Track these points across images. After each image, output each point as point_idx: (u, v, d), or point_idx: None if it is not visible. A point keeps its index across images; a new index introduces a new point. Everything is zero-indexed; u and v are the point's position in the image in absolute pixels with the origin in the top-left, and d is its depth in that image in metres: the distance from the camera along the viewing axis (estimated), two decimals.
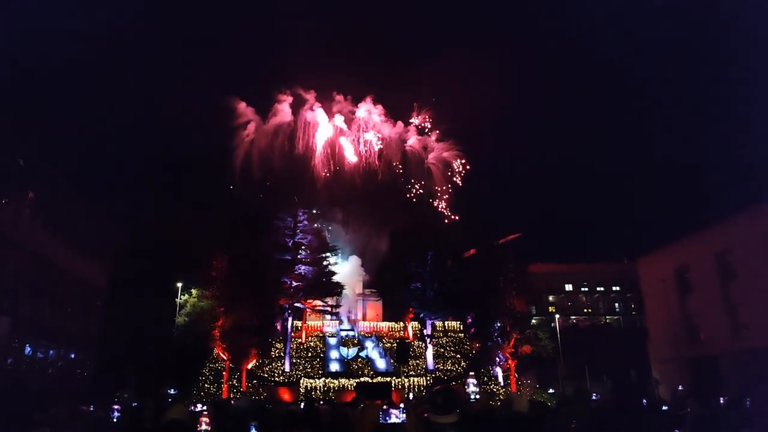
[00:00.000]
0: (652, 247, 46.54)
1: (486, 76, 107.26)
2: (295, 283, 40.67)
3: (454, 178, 70.34)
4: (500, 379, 39.85)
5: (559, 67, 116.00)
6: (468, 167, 70.72)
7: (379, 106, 72.16)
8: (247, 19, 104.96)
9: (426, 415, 4.20)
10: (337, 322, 47.47)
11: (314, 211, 44.69)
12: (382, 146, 70.79)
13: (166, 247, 51.29)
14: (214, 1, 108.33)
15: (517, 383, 39.32)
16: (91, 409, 20.56)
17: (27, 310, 29.95)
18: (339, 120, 71.06)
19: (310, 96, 70.83)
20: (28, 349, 31.10)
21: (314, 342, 44.59)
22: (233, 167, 66.76)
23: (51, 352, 34.12)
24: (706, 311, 38.89)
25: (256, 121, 69.73)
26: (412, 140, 72.18)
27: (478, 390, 8.23)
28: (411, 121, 72.91)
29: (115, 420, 11.47)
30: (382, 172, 69.44)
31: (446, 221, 66.37)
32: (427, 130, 72.69)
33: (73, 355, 37.03)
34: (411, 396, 34.95)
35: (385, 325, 48.97)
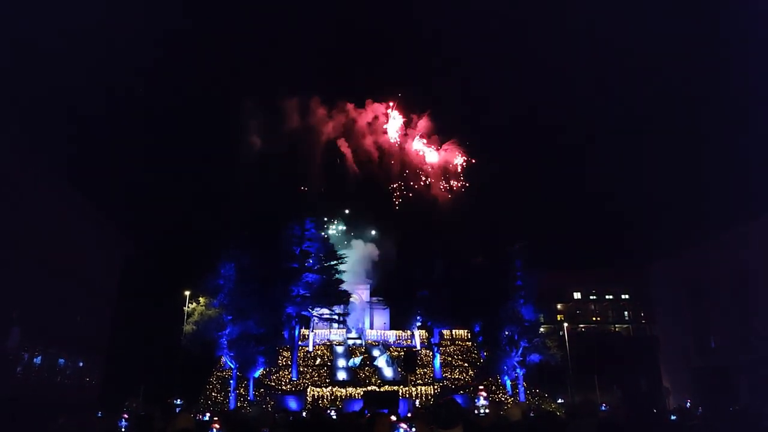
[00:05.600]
0: (663, 254, 46.13)
1: (494, 79, 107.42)
2: (302, 292, 40.70)
3: (460, 184, 70.54)
4: (508, 388, 39.56)
5: (565, 70, 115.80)
6: (475, 173, 71.00)
7: (382, 111, 72.68)
8: (255, 20, 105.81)
9: (431, 427, 4.20)
10: (345, 330, 47.44)
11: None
12: (384, 152, 71.27)
13: (174, 255, 51.62)
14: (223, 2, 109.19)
15: (526, 392, 39.01)
16: (99, 415, 20.67)
17: (37, 319, 30.17)
18: (343, 125, 71.64)
19: (315, 100, 71.44)
20: (37, 358, 31.30)
21: (321, 350, 44.55)
22: (241, 173, 67.33)
23: (60, 360, 34.30)
24: (717, 320, 38.45)
25: (265, 123, 70.36)
26: (418, 145, 72.50)
27: (487, 404, 8.16)
28: (415, 127, 73.32)
29: (123, 429, 11.51)
30: (386, 179, 69.78)
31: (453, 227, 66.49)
32: (432, 135, 73.02)
33: (81, 364, 37.20)
34: (417, 403, 34.81)
35: (392, 334, 48.85)
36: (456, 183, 70.24)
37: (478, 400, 8.19)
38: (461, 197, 70.19)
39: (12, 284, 27.53)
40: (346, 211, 62.79)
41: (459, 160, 70.78)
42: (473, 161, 70.70)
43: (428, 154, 72.14)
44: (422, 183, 70.92)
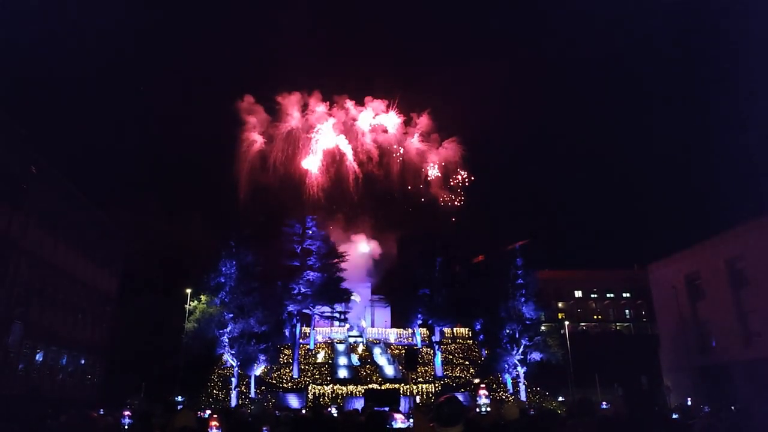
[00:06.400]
0: (663, 253, 46.10)
1: (493, 80, 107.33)
2: (303, 290, 40.75)
3: (461, 184, 70.61)
4: (509, 386, 39.58)
5: (565, 72, 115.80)
6: (474, 173, 71.01)
7: (382, 109, 72.58)
8: (250, 18, 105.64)
9: (432, 424, 4.20)
10: (346, 328, 47.49)
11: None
12: (384, 151, 71.23)
13: (176, 253, 51.65)
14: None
15: (527, 390, 39.02)
16: (101, 412, 20.69)
17: (38, 316, 30.22)
18: (343, 123, 71.53)
19: (315, 98, 71.26)
20: (39, 356, 31.35)
21: (323, 348, 44.59)
22: (242, 172, 67.33)
23: (62, 358, 34.35)
24: (717, 318, 38.42)
25: (264, 121, 70.21)
26: (417, 144, 72.43)
27: (489, 402, 8.16)
28: (415, 125, 73.24)
29: (126, 426, 11.52)
30: (386, 178, 69.80)
31: (454, 226, 66.56)
32: (431, 135, 72.95)
33: (83, 361, 37.25)
34: (418, 401, 34.89)
35: (393, 332, 48.86)
36: (457, 197, 70.37)
37: (480, 398, 8.18)
38: (462, 198, 70.26)
39: (12, 282, 27.59)
40: (347, 210, 62.84)
41: (461, 174, 70.76)
42: (473, 178, 70.70)
43: (428, 153, 72.10)
44: (422, 183, 70.93)
